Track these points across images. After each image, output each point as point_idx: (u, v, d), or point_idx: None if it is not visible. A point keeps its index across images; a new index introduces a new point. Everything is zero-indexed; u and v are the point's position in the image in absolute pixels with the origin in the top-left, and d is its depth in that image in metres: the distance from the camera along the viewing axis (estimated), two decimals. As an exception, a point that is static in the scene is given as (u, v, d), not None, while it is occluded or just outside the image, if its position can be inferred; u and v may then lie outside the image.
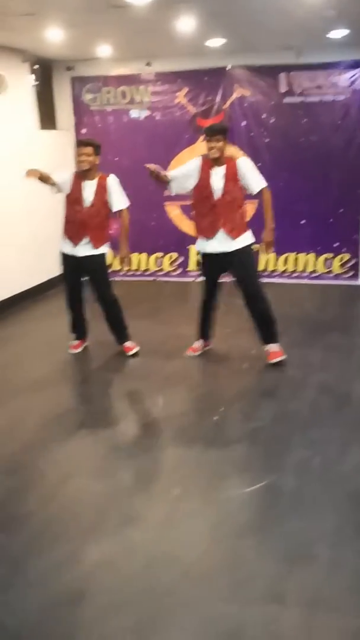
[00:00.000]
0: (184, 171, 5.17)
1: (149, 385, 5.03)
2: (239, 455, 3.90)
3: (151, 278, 8.63)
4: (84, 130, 8.40)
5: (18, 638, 2.49)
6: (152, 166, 4.94)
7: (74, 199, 5.34)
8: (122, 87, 8.21)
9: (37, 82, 7.76)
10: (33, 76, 7.64)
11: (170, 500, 3.39)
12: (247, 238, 5.15)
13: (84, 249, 5.37)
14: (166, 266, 8.60)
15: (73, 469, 3.78)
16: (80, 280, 5.55)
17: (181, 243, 8.45)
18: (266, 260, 8.21)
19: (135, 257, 8.51)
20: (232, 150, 5.05)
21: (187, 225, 8.41)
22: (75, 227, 5.35)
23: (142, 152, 7.78)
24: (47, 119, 8.23)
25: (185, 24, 5.86)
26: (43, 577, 2.82)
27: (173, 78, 8.05)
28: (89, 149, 5.25)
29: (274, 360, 5.25)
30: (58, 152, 8.26)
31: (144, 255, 8.62)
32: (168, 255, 8.55)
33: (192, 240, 8.42)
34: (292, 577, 2.76)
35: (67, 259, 5.46)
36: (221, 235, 5.06)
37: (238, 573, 2.80)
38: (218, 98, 7.95)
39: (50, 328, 6.45)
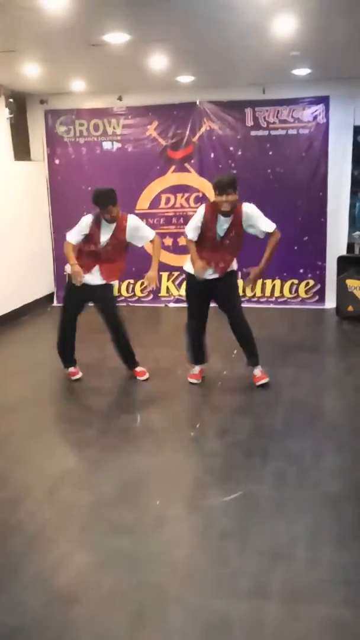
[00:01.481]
0: (196, 224, 5.36)
1: (128, 403, 5.22)
2: (217, 466, 4.09)
3: (124, 304, 8.83)
4: (57, 161, 8.65)
5: (16, 636, 2.61)
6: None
7: (90, 237, 5.45)
8: (94, 119, 8.49)
9: (11, 115, 7.98)
10: (7, 109, 7.86)
11: (154, 508, 3.56)
12: (233, 265, 5.47)
13: (95, 278, 5.49)
14: (137, 292, 8.81)
15: (59, 481, 3.92)
16: (82, 307, 5.65)
17: (153, 270, 8.67)
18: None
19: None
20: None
21: (158, 253, 8.66)
22: (89, 260, 5.47)
23: (115, 182, 7.95)
24: (21, 151, 8.45)
25: (157, 61, 6.17)
26: (37, 580, 2.95)
27: (144, 112, 8.37)
28: (117, 208, 5.37)
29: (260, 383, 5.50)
30: (32, 182, 8.49)
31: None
32: (140, 281, 8.77)
33: (164, 267, 8.73)
34: (274, 572, 2.95)
35: (76, 287, 5.45)
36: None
37: (223, 570, 2.98)
38: (187, 131, 8.28)
39: (28, 352, 6.60)
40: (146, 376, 5.75)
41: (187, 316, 5.67)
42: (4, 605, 2.79)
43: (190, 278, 5.49)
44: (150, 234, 5.56)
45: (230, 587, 2.86)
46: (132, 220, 5.48)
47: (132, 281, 8.76)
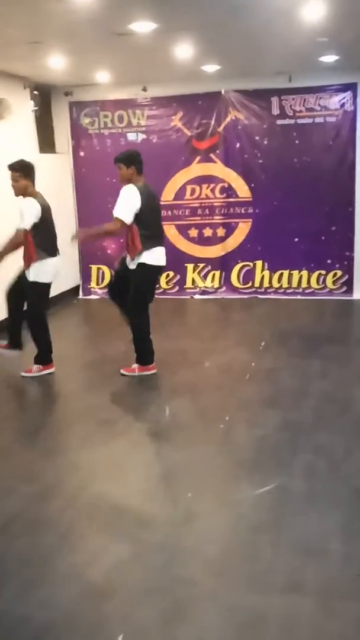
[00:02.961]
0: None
1: (156, 396, 5.22)
2: (247, 459, 4.05)
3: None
4: (82, 153, 8.65)
5: (50, 630, 2.61)
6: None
7: None
8: (119, 111, 8.46)
9: (36, 108, 7.98)
10: (32, 102, 7.86)
11: (185, 502, 3.54)
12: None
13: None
14: (163, 284, 8.78)
15: (89, 475, 3.92)
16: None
17: (178, 261, 8.65)
18: (261, 277, 8.45)
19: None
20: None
21: (184, 244, 8.65)
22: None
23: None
24: (46, 143, 8.45)
25: (183, 50, 6.11)
26: (71, 574, 2.95)
27: (168, 102, 8.32)
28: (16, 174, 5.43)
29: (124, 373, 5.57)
30: (57, 175, 8.49)
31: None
32: (165, 273, 8.73)
33: (189, 259, 8.69)
34: (308, 568, 2.92)
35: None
36: None
37: (257, 565, 2.95)
38: (212, 121, 8.21)
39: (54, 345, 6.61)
40: (32, 374, 5.63)
41: (142, 314, 5.50)
42: (37, 599, 2.79)
43: (152, 270, 5.43)
44: (22, 224, 5.42)
45: (264, 583, 2.83)
46: (23, 202, 5.43)
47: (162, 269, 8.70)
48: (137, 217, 5.20)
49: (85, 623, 2.65)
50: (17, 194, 5.48)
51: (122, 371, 5.53)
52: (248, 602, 2.72)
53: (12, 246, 5.46)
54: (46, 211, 5.48)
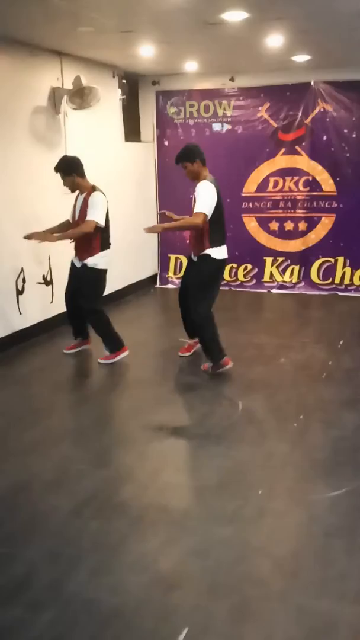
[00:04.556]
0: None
1: (229, 390, 5.17)
2: (321, 460, 3.97)
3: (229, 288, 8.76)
4: (166, 143, 8.65)
5: (118, 616, 2.63)
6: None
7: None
8: (205, 101, 8.42)
9: (123, 96, 8.03)
10: (120, 90, 7.92)
11: (256, 499, 3.50)
12: None
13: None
14: (240, 277, 8.71)
15: (161, 465, 3.93)
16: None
17: (257, 254, 8.56)
18: (342, 273, 8.25)
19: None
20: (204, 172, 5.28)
21: (264, 237, 8.54)
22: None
23: (222, 164, 7.92)
24: (132, 132, 8.51)
25: (274, 40, 6.00)
26: (140, 562, 2.97)
27: (256, 93, 8.20)
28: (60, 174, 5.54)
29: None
30: (141, 164, 8.55)
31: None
32: (243, 266, 8.66)
33: (268, 252, 8.58)
34: (382, 577, 2.82)
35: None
36: None
37: (329, 570, 2.88)
38: (300, 113, 8.05)
39: (130, 332, 6.68)
40: (109, 360, 5.70)
41: (207, 305, 5.38)
42: (107, 584, 2.82)
43: (218, 264, 5.35)
44: (91, 216, 5.46)
45: (336, 589, 2.76)
46: (94, 197, 5.48)
47: (234, 265, 8.65)
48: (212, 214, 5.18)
49: (152, 612, 2.66)
50: (73, 191, 5.62)
51: (203, 368, 5.48)
52: (319, 607, 2.66)
53: (72, 234, 5.53)
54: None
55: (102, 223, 5.46)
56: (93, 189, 5.53)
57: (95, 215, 5.44)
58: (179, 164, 5.32)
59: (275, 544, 3.10)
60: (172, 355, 5.92)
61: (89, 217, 5.44)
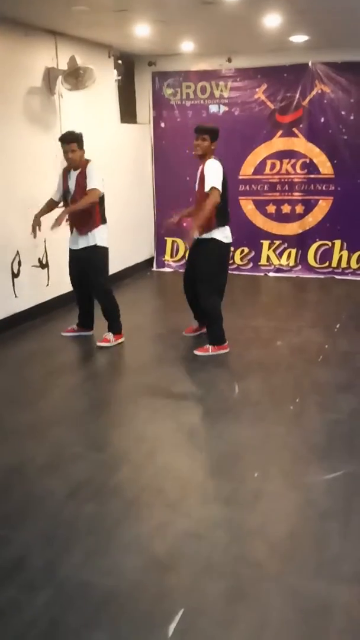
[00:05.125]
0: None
1: (227, 373, 5.17)
2: (317, 443, 3.96)
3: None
4: (162, 124, 8.58)
5: (113, 598, 2.63)
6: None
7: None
8: (202, 82, 8.33)
9: (119, 77, 7.95)
10: (115, 71, 7.83)
11: (252, 481, 3.49)
12: None
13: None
14: (237, 260, 8.68)
15: (156, 447, 3.93)
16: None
17: (254, 238, 8.52)
18: (339, 257, 8.22)
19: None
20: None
21: (260, 220, 8.50)
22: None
23: (219, 146, 7.78)
24: (128, 113, 8.42)
25: (271, 19, 5.93)
26: (135, 544, 2.97)
27: (253, 74, 8.12)
28: (74, 145, 5.42)
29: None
30: (137, 145, 8.48)
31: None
32: (239, 249, 8.62)
33: (265, 235, 8.54)
34: (377, 559, 2.83)
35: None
36: None
37: (324, 553, 2.88)
38: (297, 94, 7.97)
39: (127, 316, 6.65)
40: (109, 344, 5.67)
41: (212, 293, 5.40)
42: (101, 566, 2.82)
43: (224, 247, 5.35)
44: (92, 185, 5.43)
45: (331, 571, 2.76)
46: (92, 168, 5.47)
47: (231, 248, 8.58)
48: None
49: (147, 594, 2.66)
50: (75, 166, 5.50)
51: (195, 352, 5.48)
52: (313, 588, 2.66)
53: (81, 205, 5.44)
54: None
55: (102, 190, 5.46)
56: (87, 162, 5.51)
57: (97, 184, 5.43)
58: (201, 134, 5.28)
59: (270, 526, 3.10)
60: (169, 339, 5.91)
61: (91, 186, 5.41)
